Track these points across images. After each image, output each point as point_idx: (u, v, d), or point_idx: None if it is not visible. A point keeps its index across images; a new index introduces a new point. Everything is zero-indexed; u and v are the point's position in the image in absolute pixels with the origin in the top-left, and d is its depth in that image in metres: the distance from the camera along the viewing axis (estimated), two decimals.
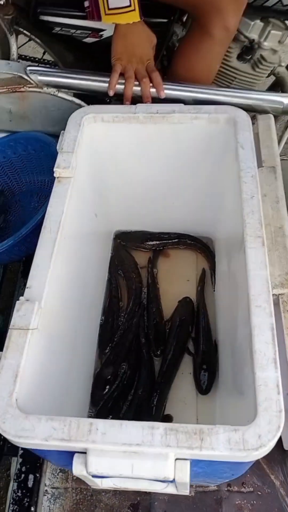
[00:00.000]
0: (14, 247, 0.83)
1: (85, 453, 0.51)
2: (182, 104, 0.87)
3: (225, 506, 0.78)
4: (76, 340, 0.80)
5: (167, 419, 0.83)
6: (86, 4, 0.84)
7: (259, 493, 0.79)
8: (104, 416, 0.82)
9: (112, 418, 0.82)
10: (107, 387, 0.85)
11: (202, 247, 1.06)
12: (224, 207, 0.94)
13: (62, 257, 0.71)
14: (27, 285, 0.64)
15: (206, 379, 0.86)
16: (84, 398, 0.85)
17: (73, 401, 0.78)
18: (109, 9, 0.81)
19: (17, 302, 0.61)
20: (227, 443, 0.48)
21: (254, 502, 0.78)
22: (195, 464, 0.52)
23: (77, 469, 0.51)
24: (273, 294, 0.65)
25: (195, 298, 1.00)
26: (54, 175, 0.77)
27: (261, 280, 0.62)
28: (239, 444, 0.48)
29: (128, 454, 0.50)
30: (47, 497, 0.78)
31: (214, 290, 1.01)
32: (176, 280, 1.04)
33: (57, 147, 0.80)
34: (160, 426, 0.50)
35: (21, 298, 0.62)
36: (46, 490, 0.78)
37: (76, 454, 0.52)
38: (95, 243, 0.98)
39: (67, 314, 0.75)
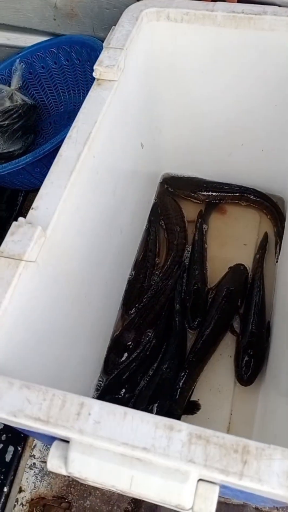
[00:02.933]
0: (34, 167, 0.66)
1: (68, 442, 0.35)
2: (276, 6, 0.64)
3: None
4: (93, 291, 0.64)
5: (194, 406, 0.67)
6: None
7: None
8: (116, 389, 0.66)
9: (125, 394, 0.66)
10: (125, 354, 0.69)
11: (270, 206, 0.85)
12: None
13: (87, 181, 0.54)
14: (33, 205, 0.48)
15: (251, 366, 0.67)
16: (95, 362, 0.69)
17: (80, 365, 0.63)
18: None
19: (14, 223, 0.45)
20: (285, 477, 0.30)
21: None
22: (225, 486, 0.35)
23: (53, 463, 0.35)
24: None
25: (251, 267, 0.80)
26: (94, 74, 0.59)
27: None
28: None
29: (129, 460, 0.33)
30: (34, 472, 0.64)
31: (276, 261, 0.81)
32: (230, 242, 0.84)
33: (104, 43, 0.62)
34: (182, 428, 0.33)
35: (20, 219, 0.45)
36: (34, 464, 0.64)
37: (55, 442, 0.36)
38: (136, 182, 0.80)
39: (86, 256, 0.59)
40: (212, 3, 0.65)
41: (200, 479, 0.33)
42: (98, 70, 0.58)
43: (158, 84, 0.72)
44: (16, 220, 0.45)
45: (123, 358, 0.70)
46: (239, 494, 0.39)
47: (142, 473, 0.32)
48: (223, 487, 0.35)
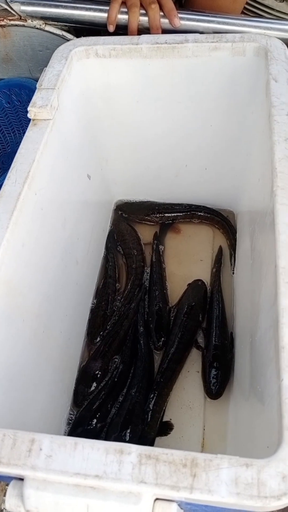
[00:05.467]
0: None
1: (22, 480, 0.35)
2: (197, 34, 0.69)
3: None
4: (54, 325, 0.64)
5: (167, 427, 0.67)
6: None
7: None
8: (88, 420, 0.66)
9: (96, 424, 0.66)
10: (94, 384, 0.69)
11: (221, 221, 0.88)
12: (250, 171, 0.75)
13: (31, 218, 0.55)
14: None
15: (218, 380, 0.68)
16: (64, 396, 0.69)
17: (48, 400, 0.63)
18: None
19: None
20: (233, 485, 0.31)
21: None
22: (186, 503, 0.35)
23: (11, 503, 0.35)
24: None
25: (209, 281, 0.82)
26: (28, 115, 0.61)
27: None
28: (251, 488, 0.31)
29: (83, 489, 0.33)
30: None
31: (233, 273, 0.83)
32: (186, 259, 0.86)
33: (37, 85, 0.64)
34: (132, 450, 0.33)
35: None
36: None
37: (12, 482, 0.36)
38: (89, 212, 0.81)
39: (40, 291, 0.59)
40: (137, 36, 0.69)
41: (157, 498, 0.33)
42: (33, 111, 0.60)
43: (97, 117, 0.75)
44: None
45: (92, 388, 0.70)
46: (205, 508, 0.40)
47: (97, 500, 0.33)
48: (186, 504, 0.35)
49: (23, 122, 0.86)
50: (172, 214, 0.91)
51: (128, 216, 0.91)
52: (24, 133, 0.87)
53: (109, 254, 0.86)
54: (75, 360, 0.73)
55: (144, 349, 0.73)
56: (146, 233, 0.90)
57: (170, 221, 0.91)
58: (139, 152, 0.83)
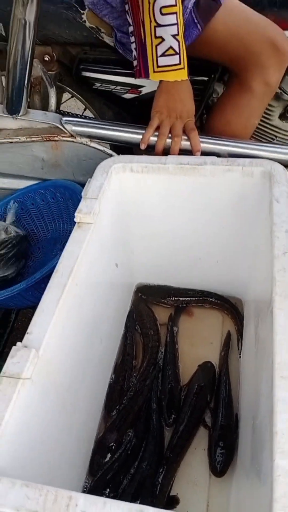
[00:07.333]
0: (27, 291, 0.79)
1: None
2: (214, 157, 0.84)
3: None
4: (79, 398, 0.73)
5: (173, 501, 0.72)
6: (135, 63, 0.87)
7: None
8: (101, 489, 0.72)
9: (109, 493, 0.72)
10: (109, 455, 0.76)
11: (230, 307, 0.99)
12: (257, 266, 0.87)
13: (71, 305, 0.67)
14: (28, 330, 0.59)
15: (223, 458, 0.75)
16: (81, 464, 0.75)
17: (68, 467, 0.70)
18: (158, 66, 0.82)
19: (13, 348, 0.56)
20: None
21: None
22: None
23: None
24: None
25: (218, 363, 0.91)
26: (75, 219, 0.75)
27: None
28: None
29: None
30: None
31: (239, 357, 0.92)
32: (198, 341, 0.96)
33: (82, 193, 0.79)
34: (150, 511, 0.41)
35: (18, 343, 0.57)
36: None
37: None
38: (114, 295, 0.93)
39: (71, 367, 0.69)
40: (165, 157, 0.85)
41: None
42: (79, 216, 0.74)
43: (128, 219, 0.90)
44: (10, 335, 0.57)
45: (107, 459, 0.76)
46: None
47: None
48: None
49: (63, 215, 1.02)
50: (186, 299, 1.02)
51: (147, 298, 1.03)
52: (63, 222, 1.03)
53: (128, 333, 0.96)
54: (93, 431, 0.81)
55: (156, 425, 0.80)
56: (162, 314, 1.00)
57: (184, 305, 1.01)
58: (160, 245, 0.96)
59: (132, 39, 0.84)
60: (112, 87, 1.05)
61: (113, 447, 0.77)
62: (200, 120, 1.14)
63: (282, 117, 1.07)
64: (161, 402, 0.84)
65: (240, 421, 0.80)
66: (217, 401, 0.84)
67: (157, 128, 0.90)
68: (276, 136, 1.09)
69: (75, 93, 1.10)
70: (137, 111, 1.09)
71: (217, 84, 1.06)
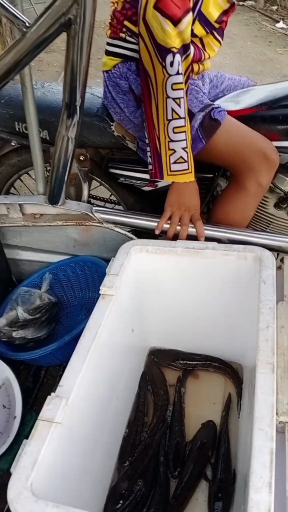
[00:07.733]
0: (57, 351, 0.95)
1: None
2: (215, 243, 1.02)
3: None
4: (97, 447, 0.85)
5: None
6: (150, 167, 1.07)
7: None
8: None
9: None
10: (121, 501, 0.86)
11: (231, 372, 1.11)
12: (252, 336, 1.01)
13: (95, 364, 0.81)
14: (60, 383, 0.74)
15: (220, 508, 0.84)
16: (97, 506, 0.86)
17: (85, 506, 0.81)
18: (171, 171, 1.03)
19: (48, 397, 0.71)
20: None
21: None
22: None
23: None
24: (279, 422, 0.69)
25: (219, 422, 1.02)
26: (100, 292, 0.91)
27: (266, 404, 0.67)
28: None
29: None
30: None
31: (239, 417, 1.03)
32: (202, 402, 1.07)
33: (106, 270, 0.97)
34: None
35: (52, 394, 0.71)
36: None
37: None
38: (130, 357, 1.08)
39: (92, 419, 0.83)
40: (175, 241, 1.03)
41: None
42: (103, 289, 0.91)
43: (143, 291, 1.06)
44: (40, 389, 0.71)
45: (119, 505, 0.86)
46: None
47: None
48: None
49: (90, 285, 1.20)
50: (193, 362, 1.15)
51: (159, 360, 1.16)
52: (89, 291, 1.20)
53: (141, 392, 1.09)
54: (108, 479, 0.92)
55: (163, 476, 0.91)
56: (171, 376, 1.13)
57: (191, 368, 1.14)
58: (170, 315, 1.12)
59: (148, 149, 1.06)
60: (134, 181, 1.27)
61: (125, 494, 0.87)
62: (207, 206, 1.35)
63: (276, 206, 1.25)
64: (168, 456, 0.94)
65: (237, 476, 0.90)
66: (217, 456, 0.94)
67: (169, 218, 1.09)
68: (271, 222, 1.27)
69: (103, 183, 1.33)
70: (154, 200, 1.30)
71: (220, 179, 1.27)
